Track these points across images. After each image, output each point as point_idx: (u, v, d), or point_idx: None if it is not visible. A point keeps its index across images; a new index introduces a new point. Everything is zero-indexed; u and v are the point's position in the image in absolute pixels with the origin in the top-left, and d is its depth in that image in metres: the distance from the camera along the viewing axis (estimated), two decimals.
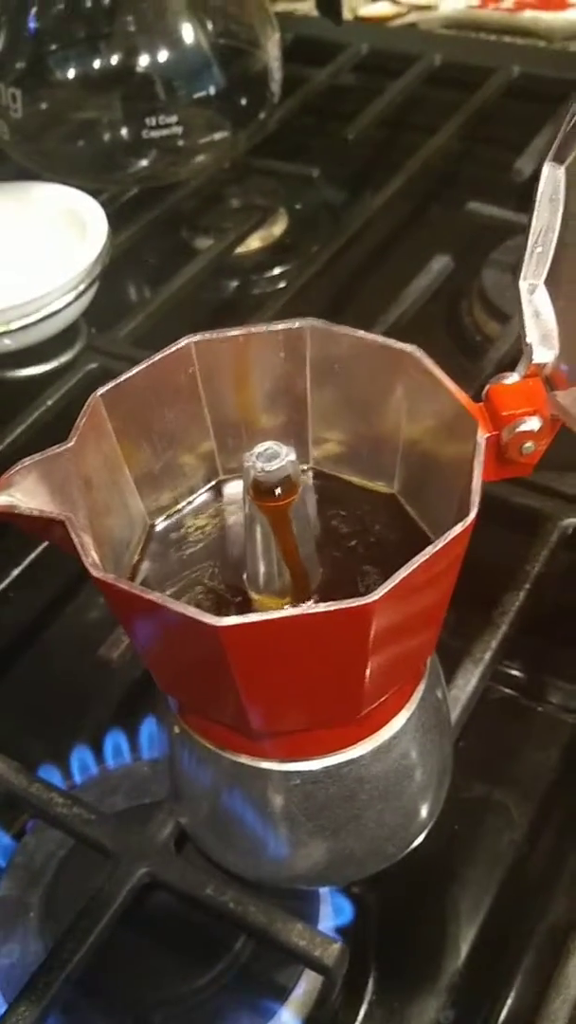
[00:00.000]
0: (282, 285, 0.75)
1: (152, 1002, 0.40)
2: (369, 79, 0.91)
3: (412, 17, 1.01)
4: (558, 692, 0.50)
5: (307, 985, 0.39)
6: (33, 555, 0.51)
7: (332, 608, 0.26)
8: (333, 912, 0.42)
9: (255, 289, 0.77)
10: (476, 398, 0.32)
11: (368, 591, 0.26)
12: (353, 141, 0.82)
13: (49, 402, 0.60)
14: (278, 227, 0.80)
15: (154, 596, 0.26)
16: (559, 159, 0.30)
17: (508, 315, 0.66)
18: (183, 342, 0.33)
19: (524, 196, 0.74)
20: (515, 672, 0.51)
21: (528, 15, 0.97)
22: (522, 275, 0.31)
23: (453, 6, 1.01)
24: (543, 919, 0.43)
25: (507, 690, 0.50)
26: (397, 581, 0.26)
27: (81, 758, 0.46)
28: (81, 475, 0.31)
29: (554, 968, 0.37)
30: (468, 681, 0.44)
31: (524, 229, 0.31)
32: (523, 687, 0.51)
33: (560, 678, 0.50)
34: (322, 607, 0.26)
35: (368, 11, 1.03)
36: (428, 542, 0.32)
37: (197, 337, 0.33)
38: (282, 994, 0.39)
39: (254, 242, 0.78)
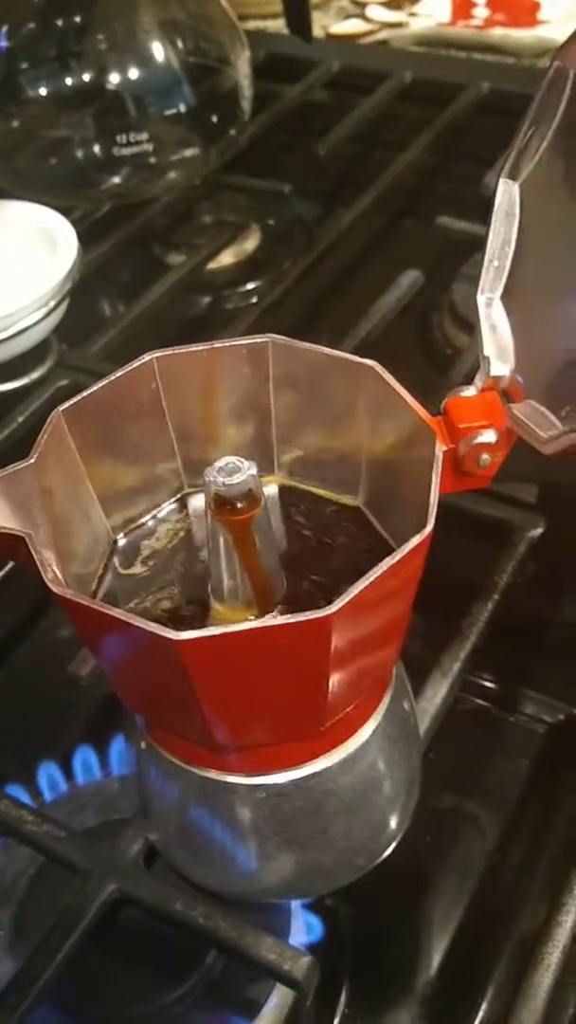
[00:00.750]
0: (254, 300, 0.75)
1: (123, 1018, 0.39)
2: (340, 96, 0.92)
3: (383, 34, 1.02)
4: (528, 702, 0.50)
5: (278, 999, 0.39)
6: (2, 573, 0.51)
7: (291, 620, 0.26)
8: (304, 928, 0.42)
9: (227, 304, 0.77)
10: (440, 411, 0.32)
11: (330, 603, 0.26)
12: (325, 157, 0.83)
13: (20, 418, 0.60)
14: (250, 243, 0.81)
15: (113, 611, 0.26)
16: (513, 176, 0.30)
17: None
18: (145, 357, 0.34)
19: (490, 208, 0.75)
20: (485, 683, 0.51)
21: (498, 32, 0.98)
22: (479, 289, 0.31)
23: (424, 24, 1.02)
24: (513, 929, 0.43)
25: (477, 700, 0.51)
26: (355, 593, 0.26)
27: (50, 775, 0.46)
28: (43, 491, 0.31)
29: (523, 974, 0.37)
30: (437, 692, 0.44)
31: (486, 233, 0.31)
32: (493, 697, 0.51)
33: (530, 688, 0.51)
34: (280, 619, 0.26)
35: (339, 28, 1.04)
36: (391, 552, 0.33)
37: (159, 353, 0.34)
38: (253, 1009, 0.39)
39: (226, 258, 0.79)
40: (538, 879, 0.45)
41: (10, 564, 0.52)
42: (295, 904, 0.42)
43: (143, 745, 0.36)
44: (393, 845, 0.39)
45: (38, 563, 0.28)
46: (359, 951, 0.43)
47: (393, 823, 0.38)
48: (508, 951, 0.42)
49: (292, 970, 0.36)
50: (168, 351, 0.34)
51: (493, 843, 0.46)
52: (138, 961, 0.41)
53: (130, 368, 0.33)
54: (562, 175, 0.30)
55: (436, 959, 0.43)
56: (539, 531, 0.50)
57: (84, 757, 0.46)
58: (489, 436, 0.30)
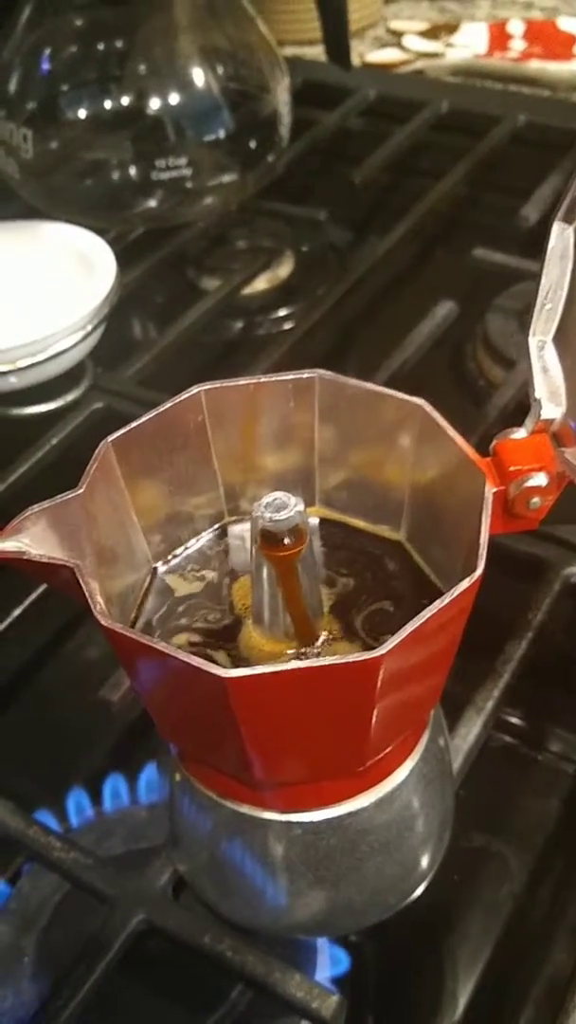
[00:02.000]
0: (288, 327, 0.76)
1: None
2: (376, 124, 0.93)
3: (420, 64, 1.03)
4: (559, 741, 0.50)
5: None
6: (34, 595, 0.51)
7: (339, 661, 0.26)
8: (330, 962, 0.42)
9: (261, 330, 0.77)
10: (480, 444, 0.32)
11: (372, 637, 0.26)
12: (360, 185, 0.83)
13: (54, 440, 0.60)
14: (284, 269, 0.81)
15: (161, 646, 0.26)
16: (568, 219, 0.30)
17: (512, 361, 0.66)
18: (194, 390, 0.34)
19: (529, 243, 0.75)
20: (516, 720, 0.51)
21: (534, 65, 0.98)
22: (531, 331, 0.31)
23: (460, 55, 1.02)
24: (542, 971, 0.43)
25: (508, 738, 0.50)
26: (404, 635, 0.26)
27: (79, 801, 0.46)
28: (89, 521, 0.31)
29: (552, 1022, 0.36)
30: (470, 730, 0.44)
31: (529, 275, 0.32)
32: (524, 735, 0.50)
33: (561, 727, 0.50)
34: (329, 660, 0.26)
35: (376, 57, 1.05)
36: (434, 588, 0.33)
37: (207, 385, 0.34)
38: None
39: (260, 283, 0.79)
40: (567, 921, 0.44)
41: (40, 587, 0.52)
42: (322, 939, 0.41)
43: (177, 776, 0.36)
44: (424, 885, 0.38)
45: (87, 594, 0.28)
46: (385, 988, 0.43)
47: (425, 863, 0.38)
48: (535, 993, 0.42)
49: (320, 1008, 0.36)
50: (216, 384, 0.34)
51: (521, 884, 0.45)
52: (164, 993, 0.41)
53: (178, 400, 0.33)
54: None
55: (463, 1000, 0.42)
56: (575, 569, 0.49)
57: (113, 784, 0.46)
58: (540, 479, 0.30)
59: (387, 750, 0.32)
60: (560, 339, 0.31)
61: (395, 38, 1.09)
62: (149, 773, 0.46)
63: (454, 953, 0.44)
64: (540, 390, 0.30)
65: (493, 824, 0.47)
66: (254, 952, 0.37)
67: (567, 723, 0.50)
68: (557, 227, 0.31)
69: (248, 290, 0.77)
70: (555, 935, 0.44)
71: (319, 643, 0.33)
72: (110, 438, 0.32)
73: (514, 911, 0.45)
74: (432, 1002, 0.42)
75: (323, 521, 0.37)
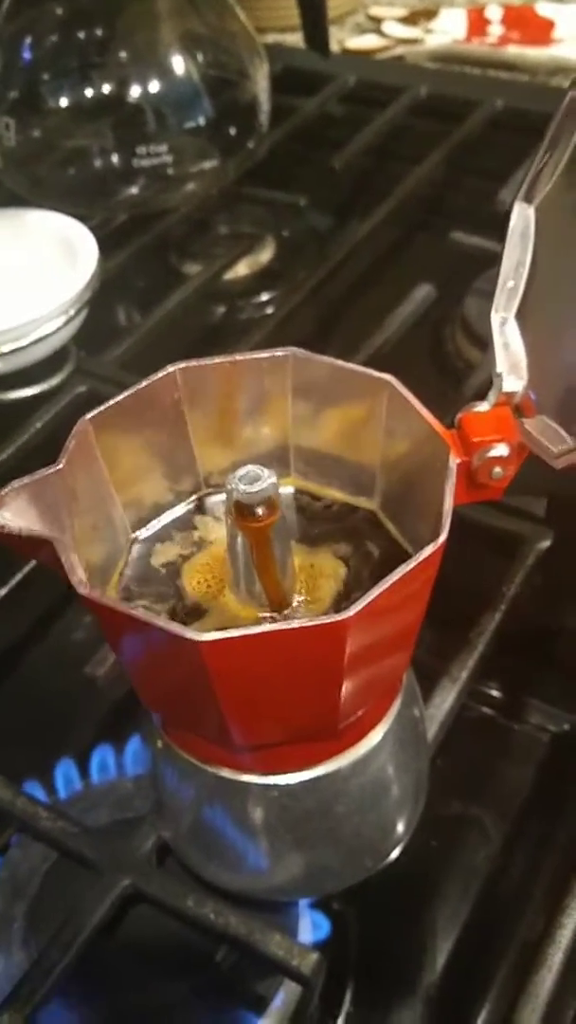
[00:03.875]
0: (269, 311, 0.76)
1: (134, 1011, 0.40)
2: (356, 110, 0.93)
3: (399, 50, 1.03)
4: (534, 711, 0.51)
5: (286, 995, 0.40)
6: (20, 575, 0.52)
7: (308, 624, 0.27)
8: (312, 927, 0.43)
9: (243, 314, 0.78)
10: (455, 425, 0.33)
11: (347, 603, 0.27)
12: (340, 170, 0.84)
13: (38, 424, 0.61)
14: (266, 254, 0.82)
15: (137, 612, 0.28)
16: (528, 199, 0.31)
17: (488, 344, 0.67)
18: (169, 368, 0.35)
19: (506, 226, 0.76)
20: (492, 692, 0.52)
21: (512, 50, 0.99)
22: (493, 308, 0.32)
23: (439, 40, 1.03)
24: (517, 932, 0.44)
25: (484, 709, 0.52)
26: (371, 599, 0.27)
27: (66, 773, 0.47)
28: (69, 495, 0.32)
29: (526, 975, 0.38)
30: (445, 699, 0.45)
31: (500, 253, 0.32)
32: (500, 706, 0.52)
33: (536, 697, 0.52)
34: (298, 623, 0.27)
35: (355, 44, 1.06)
36: (406, 556, 0.34)
37: (182, 364, 0.35)
38: (262, 1004, 0.40)
39: (242, 268, 0.80)
40: (541, 884, 0.46)
41: (27, 566, 0.53)
42: (303, 904, 0.43)
43: (159, 744, 0.37)
44: (400, 847, 0.40)
45: (66, 566, 0.29)
46: (365, 951, 0.44)
47: (401, 826, 0.39)
48: (511, 953, 0.43)
49: (300, 966, 0.37)
50: (191, 362, 0.35)
51: (497, 848, 0.47)
52: (149, 956, 0.42)
53: (154, 378, 0.34)
54: (575, 200, 0.31)
55: (440, 960, 0.44)
56: (547, 543, 0.50)
57: (99, 756, 0.47)
58: (502, 450, 0.31)
59: (360, 712, 0.33)
60: (521, 315, 0.32)
61: (375, 24, 1.10)
62: (135, 746, 0.47)
63: (433, 916, 0.45)
64: (502, 364, 0.31)
65: (470, 791, 0.49)
66: (236, 914, 0.38)
67: (541, 693, 0.51)
68: (518, 207, 0.32)
69: (230, 275, 0.78)
70: (530, 897, 0.45)
71: (292, 608, 0.34)
72: (88, 416, 0.33)
73: (490, 874, 0.46)
74: (412, 962, 0.44)
75: (298, 490, 0.38)
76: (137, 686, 0.34)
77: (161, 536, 0.37)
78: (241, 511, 0.31)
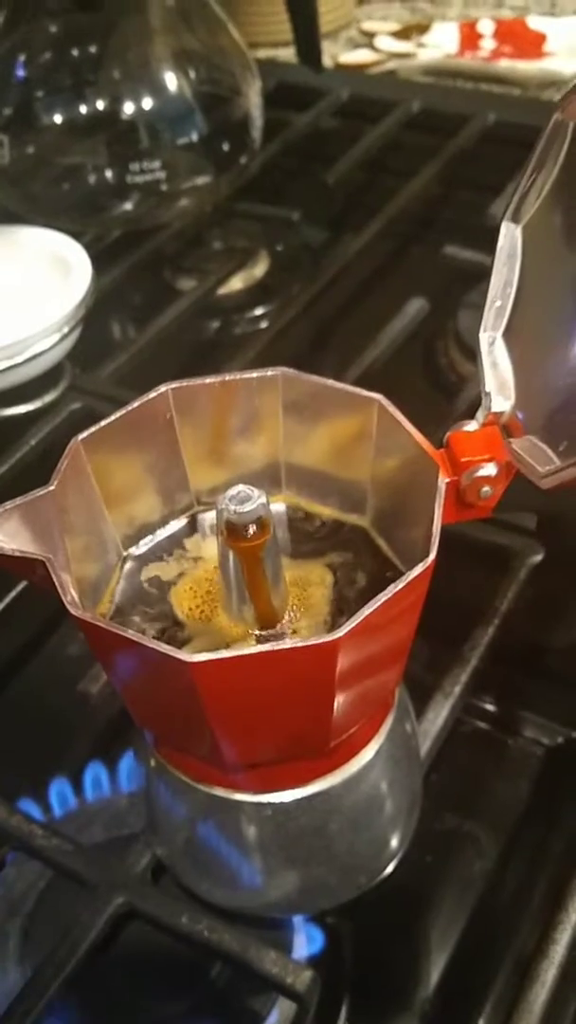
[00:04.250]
0: (263, 325, 0.77)
1: None
2: (349, 124, 0.94)
3: (391, 64, 1.04)
4: (528, 725, 0.51)
5: (280, 1012, 0.40)
6: (14, 592, 0.52)
7: (299, 644, 0.27)
8: (306, 941, 0.43)
9: (237, 329, 0.78)
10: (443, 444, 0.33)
11: (338, 621, 0.27)
12: (333, 185, 0.85)
13: (32, 441, 0.61)
14: (259, 269, 0.82)
15: (129, 634, 0.28)
16: (516, 219, 0.32)
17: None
18: (161, 388, 0.35)
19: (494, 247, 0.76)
20: (486, 705, 0.52)
21: (504, 64, 1.00)
22: (482, 327, 0.32)
23: (431, 55, 1.04)
24: (511, 947, 0.44)
25: (478, 723, 0.52)
26: (361, 618, 0.27)
27: (60, 791, 0.47)
28: (61, 516, 0.32)
29: (519, 991, 0.38)
30: (438, 714, 0.45)
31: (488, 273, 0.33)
32: (494, 720, 0.52)
33: (530, 711, 0.52)
34: (289, 643, 0.27)
35: (348, 58, 1.06)
36: (397, 573, 0.34)
37: (174, 384, 0.35)
38: (256, 1021, 0.40)
39: (236, 283, 0.80)
40: (536, 898, 0.46)
41: (21, 584, 0.53)
42: (297, 919, 0.43)
43: (152, 763, 0.37)
44: (395, 863, 0.40)
45: (58, 587, 0.29)
46: (360, 966, 0.44)
47: (394, 841, 0.39)
48: (506, 968, 0.43)
49: (295, 983, 0.37)
50: (183, 383, 0.35)
51: (492, 863, 0.47)
52: (144, 973, 0.42)
53: (146, 399, 0.34)
54: (561, 220, 0.31)
55: (435, 975, 0.44)
56: (539, 557, 0.51)
57: (93, 773, 0.47)
58: (490, 469, 0.31)
59: (352, 730, 0.33)
60: (509, 335, 0.32)
61: (367, 39, 1.10)
62: (128, 762, 0.47)
63: (427, 930, 0.45)
64: (490, 384, 0.32)
65: (465, 806, 0.49)
66: (230, 931, 0.38)
67: (535, 707, 0.52)
68: (505, 227, 0.32)
69: (224, 290, 0.79)
70: (525, 911, 0.45)
71: (283, 626, 0.34)
72: (80, 436, 0.33)
73: (485, 889, 0.46)
74: (406, 977, 0.44)
75: (289, 508, 0.38)
76: (129, 705, 0.34)
77: (153, 554, 0.37)
78: (232, 531, 0.31)
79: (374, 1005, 0.43)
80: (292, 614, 0.34)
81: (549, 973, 0.38)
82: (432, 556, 0.29)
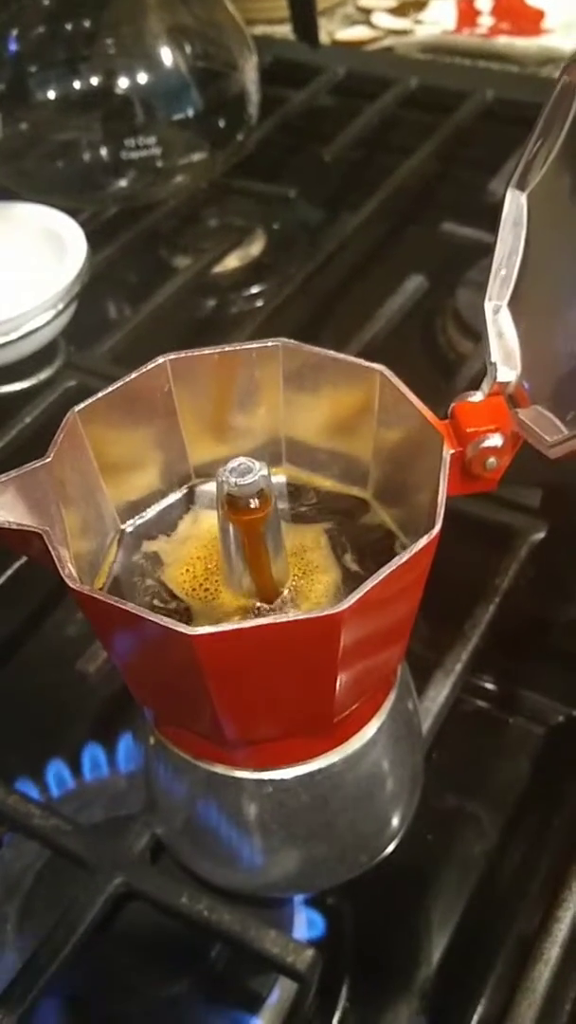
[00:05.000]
0: (260, 304, 0.76)
1: (129, 1010, 0.40)
2: (346, 101, 0.93)
3: (389, 41, 1.03)
4: (529, 704, 0.51)
5: (281, 992, 0.40)
6: (10, 570, 0.52)
7: (302, 617, 0.27)
8: (307, 924, 0.42)
9: (233, 308, 0.77)
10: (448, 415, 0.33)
11: (340, 593, 0.26)
12: (330, 162, 0.84)
13: (28, 419, 0.60)
14: (256, 247, 0.81)
15: (128, 606, 0.27)
16: (521, 186, 0.31)
17: (481, 334, 0.67)
18: (159, 360, 0.34)
19: (497, 217, 0.76)
20: (487, 684, 0.51)
21: (502, 41, 0.99)
22: (487, 297, 0.32)
23: (429, 31, 1.03)
24: (513, 926, 0.44)
25: (479, 702, 0.51)
26: (364, 591, 0.27)
27: (58, 771, 0.47)
28: (58, 488, 0.31)
29: (522, 969, 0.37)
30: (439, 692, 0.45)
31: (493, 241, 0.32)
32: (494, 699, 0.51)
33: (530, 690, 0.51)
34: (291, 616, 0.27)
35: (345, 35, 1.05)
36: (400, 544, 0.33)
37: (172, 355, 0.34)
38: (257, 1001, 0.40)
39: (232, 261, 0.79)
40: (537, 878, 0.45)
41: (18, 561, 0.52)
42: (297, 899, 0.42)
43: (152, 740, 0.37)
44: (396, 842, 0.39)
45: (55, 560, 0.29)
46: (361, 947, 0.43)
47: (396, 820, 0.39)
48: (507, 948, 0.43)
49: (295, 963, 0.37)
50: (181, 354, 0.34)
51: (493, 842, 0.46)
52: (143, 954, 0.41)
53: (144, 370, 0.34)
54: (568, 186, 0.31)
55: (436, 955, 0.43)
56: (541, 535, 0.50)
57: (92, 754, 0.47)
58: (495, 440, 0.31)
59: (353, 707, 0.33)
60: (514, 304, 0.32)
61: (364, 15, 1.09)
62: (127, 742, 0.47)
63: (428, 910, 0.45)
64: (495, 354, 0.31)
65: (466, 785, 0.48)
66: (230, 911, 0.38)
67: (536, 686, 0.51)
68: (511, 194, 0.32)
69: (220, 268, 0.78)
70: (526, 891, 0.45)
71: (284, 598, 0.33)
72: (76, 408, 0.32)
73: (487, 868, 0.46)
74: (407, 957, 0.43)
75: (290, 479, 0.37)
76: (128, 681, 0.33)
77: (151, 527, 0.36)
78: (233, 504, 0.31)
79: (375, 985, 0.43)
80: (293, 586, 0.33)
81: (552, 952, 0.37)
82: (437, 528, 0.28)
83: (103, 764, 0.47)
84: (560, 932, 0.38)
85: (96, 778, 0.47)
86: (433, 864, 0.46)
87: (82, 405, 0.33)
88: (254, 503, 0.31)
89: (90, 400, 0.33)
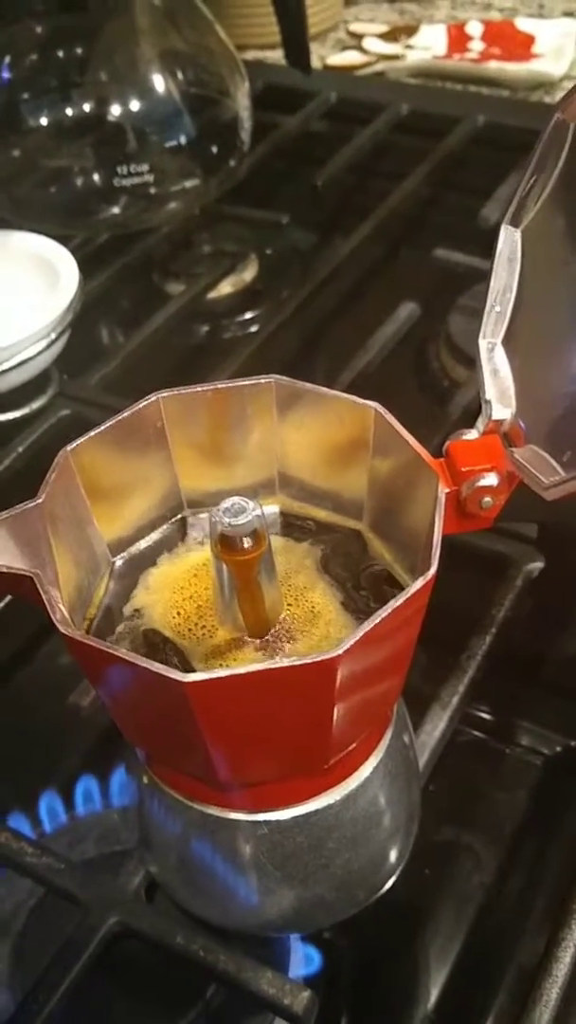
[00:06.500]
0: (253, 330, 0.76)
1: None
2: (338, 127, 0.93)
3: (380, 66, 1.03)
4: (526, 734, 0.51)
5: None
6: (3, 602, 0.51)
7: (297, 663, 0.26)
8: (303, 961, 0.42)
9: (226, 334, 0.77)
10: (444, 443, 0.32)
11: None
12: (322, 188, 0.84)
13: (20, 448, 0.60)
14: (249, 272, 0.81)
15: (121, 652, 0.27)
16: (515, 223, 0.31)
17: (474, 360, 0.67)
18: (152, 397, 0.34)
19: (490, 243, 0.75)
20: (483, 715, 0.51)
21: (493, 66, 0.99)
22: (481, 334, 0.31)
23: (420, 56, 1.03)
24: (512, 960, 0.43)
25: (475, 733, 0.51)
26: (361, 635, 0.27)
27: (51, 805, 0.46)
28: (49, 528, 0.31)
29: (522, 1010, 0.37)
30: (436, 726, 0.44)
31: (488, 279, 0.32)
32: (491, 730, 0.51)
33: (527, 720, 0.51)
34: (287, 662, 0.27)
35: (337, 60, 1.05)
36: (395, 576, 0.33)
37: (165, 393, 0.34)
38: None
39: (225, 287, 0.79)
40: (536, 911, 0.45)
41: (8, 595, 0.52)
42: (294, 936, 0.42)
43: (145, 779, 0.37)
44: (393, 879, 0.39)
45: (46, 603, 0.28)
46: (358, 983, 0.43)
47: (393, 857, 0.38)
48: (506, 984, 0.43)
49: (292, 1004, 0.36)
50: (174, 391, 0.34)
51: (491, 875, 0.46)
52: (138, 994, 0.41)
53: (136, 408, 0.34)
54: (562, 224, 0.31)
55: (434, 992, 0.43)
56: (537, 565, 0.50)
57: (85, 788, 0.46)
58: (491, 479, 0.30)
59: (350, 747, 0.33)
60: (509, 341, 0.32)
61: (355, 41, 1.10)
62: (120, 776, 0.47)
63: (426, 945, 0.44)
64: (490, 391, 0.31)
65: (462, 817, 0.48)
66: (226, 951, 0.37)
67: (532, 716, 0.51)
68: (505, 231, 0.32)
69: (213, 294, 0.78)
70: (525, 925, 0.45)
71: (276, 634, 0.33)
72: (69, 447, 0.32)
73: (484, 902, 0.45)
74: (405, 994, 0.43)
75: (283, 511, 0.37)
76: (120, 722, 0.33)
77: (143, 560, 0.36)
78: (226, 543, 0.30)
79: (373, 1022, 0.42)
80: (285, 617, 0.33)
81: (552, 992, 0.37)
82: (433, 569, 0.28)
83: (96, 798, 0.47)
84: (560, 971, 0.37)
85: (89, 812, 0.47)
86: (430, 898, 0.46)
87: (74, 444, 0.32)
88: (248, 543, 0.30)
89: (82, 439, 0.33)
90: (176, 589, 0.35)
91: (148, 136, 0.75)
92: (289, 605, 0.34)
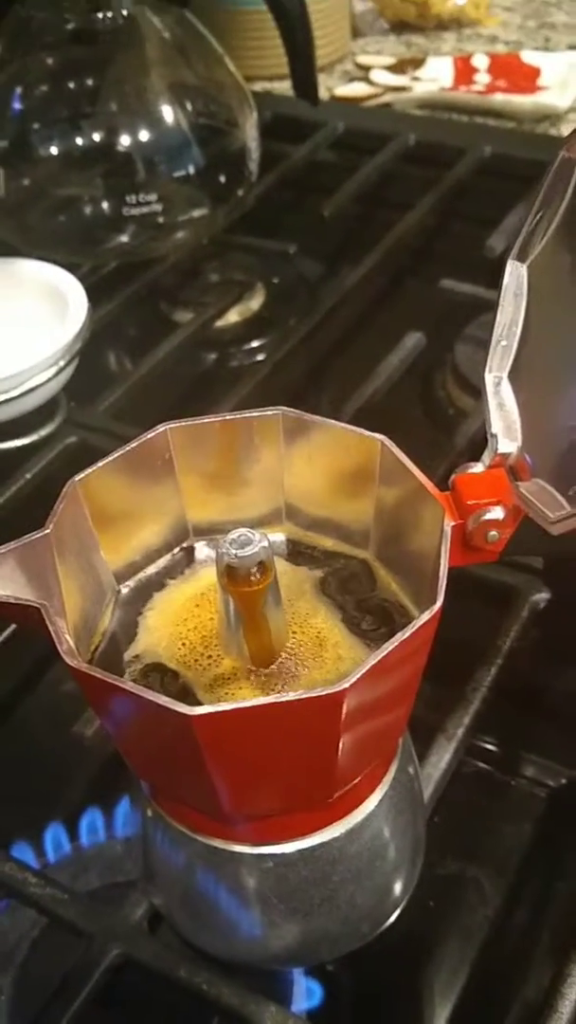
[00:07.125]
0: (260, 358, 0.76)
1: None
2: (345, 157, 0.94)
3: (387, 98, 1.04)
4: (531, 766, 0.50)
5: None
6: (8, 630, 0.52)
7: (303, 696, 0.26)
8: (305, 994, 0.42)
9: (233, 362, 0.78)
10: (450, 472, 0.32)
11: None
12: (329, 217, 0.84)
13: (28, 475, 0.60)
14: (256, 301, 0.82)
15: (128, 685, 0.27)
16: (521, 258, 0.31)
17: (480, 390, 0.67)
18: (160, 428, 0.34)
19: (496, 273, 0.76)
20: (489, 746, 0.51)
21: (499, 98, 1.00)
22: (487, 368, 0.32)
23: (427, 88, 1.04)
24: (517, 995, 0.43)
25: (480, 764, 0.51)
26: (366, 669, 0.27)
27: (55, 836, 0.46)
28: (56, 559, 0.31)
29: None
30: (441, 758, 0.44)
31: (496, 305, 0.32)
32: (496, 761, 0.51)
33: (533, 752, 0.51)
34: (293, 696, 0.27)
35: (344, 91, 1.06)
36: (401, 604, 0.33)
37: (173, 424, 0.34)
38: None
39: (232, 316, 0.80)
40: (541, 944, 0.45)
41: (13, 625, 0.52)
42: (296, 969, 0.42)
43: (149, 812, 0.36)
44: (398, 911, 0.39)
45: (53, 634, 0.28)
46: (360, 1017, 0.43)
47: (398, 890, 0.38)
48: (511, 1020, 0.42)
49: None
50: (182, 423, 0.34)
51: (496, 908, 0.46)
52: None
53: (144, 439, 0.34)
54: (568, 259, 0.31)
55: None
56: (544, 596, 0.50)
57: (88, 818, 0.46)
58: (497, 513, 0.30)
59: (355, 781, 0.33)
60: (515, 375, 0.32)
61: (363, 72, 1.11)
62: (124, 807, 0.46)
63: (430, 979, 0.44)
64: (496, 425, 0.31)
65: (467, 849, 0.48)
66: (229, 985, 0.37)
67: (538, 748, 0.51)
68: (511, 266, 0.32)
69: (220, 323, 0.78)
70: (531, 958, 0.44)
71: (282, 664, 0.33)
72: (76, 478, 0.32)
73: (490, 935, 0.45)
74: None
75: (290, 539, 0.37)
76: (125, 754, 0.33)
77: (148, 589, 0.36)
78: (233, 575, 0.30)
79: None
80: (291, 645, 0.33)
81: None
82: (439, 603, 0.28)
83: (100, 829, 0.47)
84: (566, 1008, 0.37)
85: (93, 843, 0.47)
86: (435, 931, 0.45)
87: (82, 475, 0.33)
88: (254, 575, 0.30)
89: (90, 469, 0.33)
90: (181, 619, 0.35)
91: (157, 166, 0.76)
92: (294, 633, 0.34)
